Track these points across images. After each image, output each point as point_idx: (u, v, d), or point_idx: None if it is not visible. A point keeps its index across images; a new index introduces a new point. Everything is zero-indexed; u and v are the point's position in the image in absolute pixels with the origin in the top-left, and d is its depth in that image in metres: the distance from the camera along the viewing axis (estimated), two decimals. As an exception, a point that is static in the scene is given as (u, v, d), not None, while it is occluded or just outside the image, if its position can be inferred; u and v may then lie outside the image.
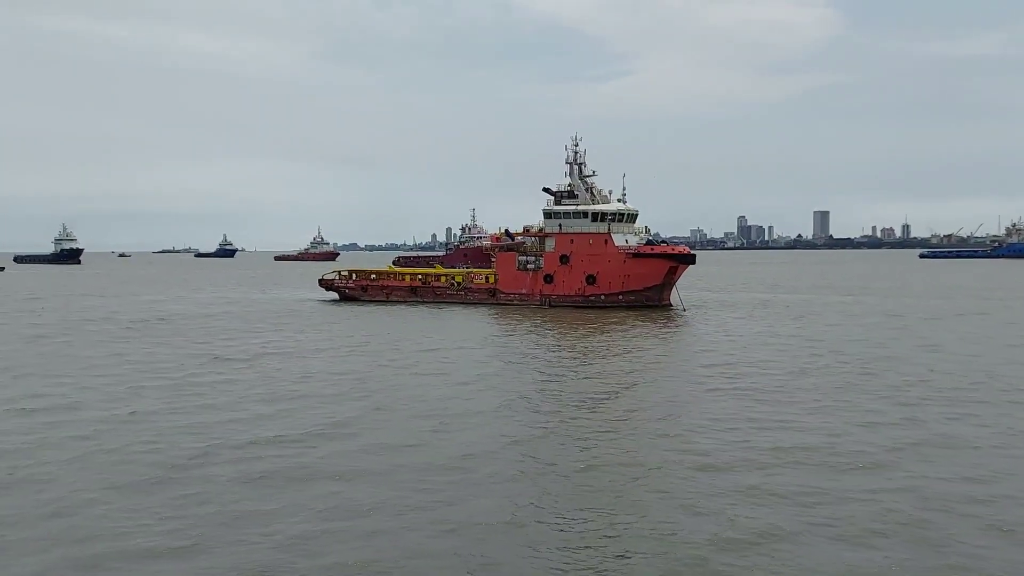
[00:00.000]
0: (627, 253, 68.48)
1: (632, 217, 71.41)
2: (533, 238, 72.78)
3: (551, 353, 40.88)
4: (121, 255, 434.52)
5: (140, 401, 27.54)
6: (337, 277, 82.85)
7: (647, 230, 73.31)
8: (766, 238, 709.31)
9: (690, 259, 69.96)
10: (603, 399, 28.42)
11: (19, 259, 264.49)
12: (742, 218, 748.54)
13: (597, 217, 69.21)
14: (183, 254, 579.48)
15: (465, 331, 51.61)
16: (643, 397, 28.81)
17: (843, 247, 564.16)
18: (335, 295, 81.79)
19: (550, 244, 70.97)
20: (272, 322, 57.32)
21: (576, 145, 71.89)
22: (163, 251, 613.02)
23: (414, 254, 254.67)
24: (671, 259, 69.29)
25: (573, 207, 70.28)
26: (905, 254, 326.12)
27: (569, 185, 71.69)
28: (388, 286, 78.57)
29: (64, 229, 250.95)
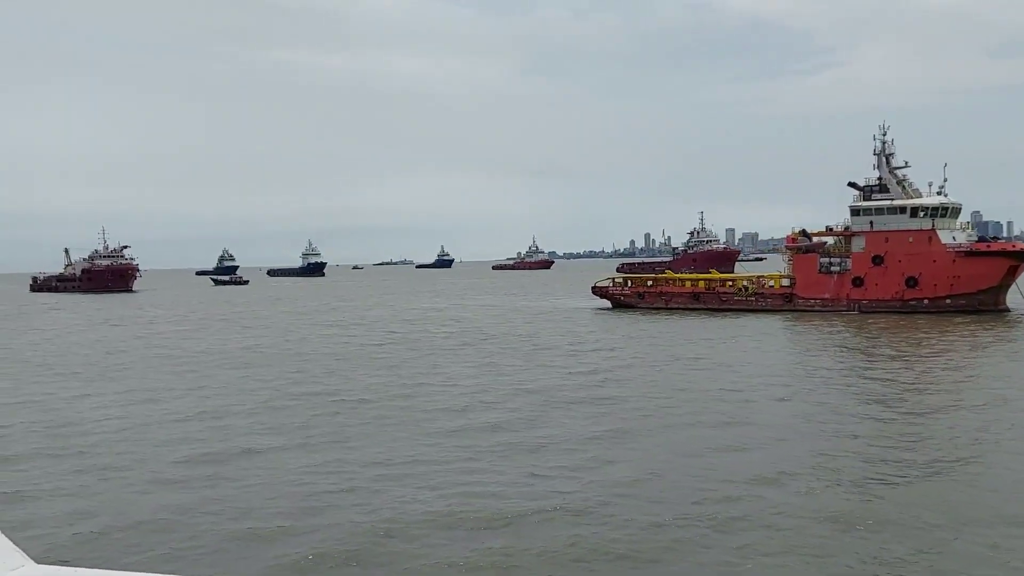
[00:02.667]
0: (956, 252, 61.00)
1: (956, 212, 63.73)
2: (836, 238, 67.07)
3: (874, 364, 36.07)
4: (355, 267, 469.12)
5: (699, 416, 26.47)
6: (611, 284, 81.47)
7: (971, 225, 65.19)
8: (1006, 234, 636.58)
9: (1034, 258, 61.21)
10: (944, 418, 23.85)
11: (271, 272, 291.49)
12: (976, 213, 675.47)
13: (917, 212, 62.30)
14: (399, 266, 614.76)
15: (768, 339, 47.62)
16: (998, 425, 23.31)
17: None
18: (607, 303, 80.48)
19: (859, 244, 64.89)
20: (579, 328, 56.38)
21: (884, 134, 65.43)
22: (381, 263, 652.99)
23: (638, 261, 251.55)
24: (1012, 257, 60.86)
25: (887, 202, 63.78)
26: None
27: (879, 179, 65.28)
28: (667, 293, 75.83)
29: (310, 244, 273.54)
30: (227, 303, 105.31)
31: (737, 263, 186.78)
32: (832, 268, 65.78)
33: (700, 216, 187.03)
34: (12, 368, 40.03)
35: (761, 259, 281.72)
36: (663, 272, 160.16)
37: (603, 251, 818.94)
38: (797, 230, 70.14)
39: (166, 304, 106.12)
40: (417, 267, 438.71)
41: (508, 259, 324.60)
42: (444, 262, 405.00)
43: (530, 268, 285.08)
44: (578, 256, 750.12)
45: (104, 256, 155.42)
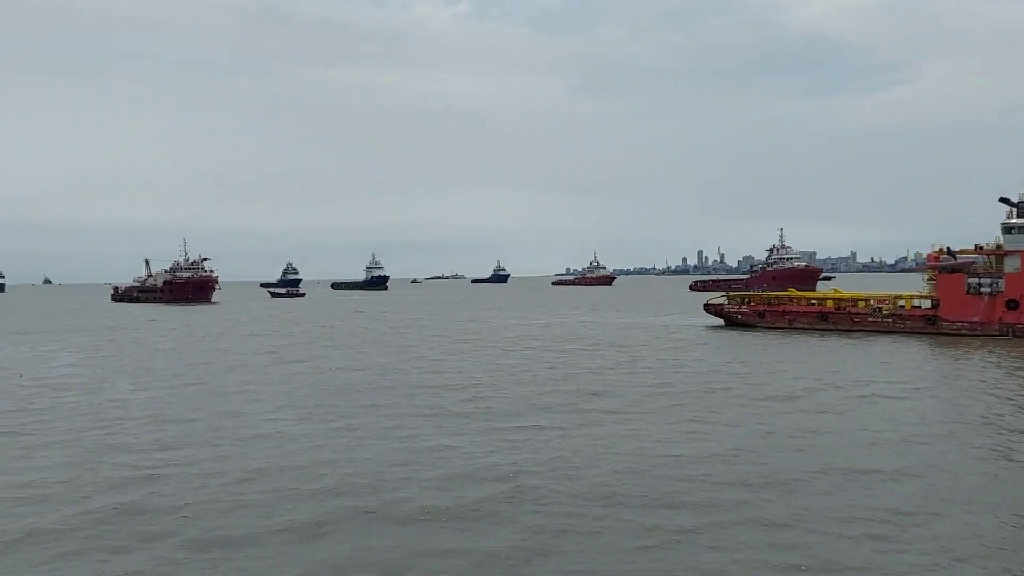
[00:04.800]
0: None
1: (1125, 229, 59.06)
2: (986, 257, 62.82)
3: None
4: (413, 281, 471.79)
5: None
6: (727, 302, 78.17)
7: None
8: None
9: None
10: None
11: (335, 285, 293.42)
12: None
13: (1084, 231, 57.90)
14: (451, 280, 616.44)
15: (912, 365, 43.87)
16: None
17: None
18: (720, 321, 77.22)
19: (1013, 264, 60.52)
20: (695, 349, 53.19)
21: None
22: (433, 277, 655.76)
23: (712, 278, 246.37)
24: None
25: (1050, 219, 59.44)
26: None
27: (1035, 193, 60.94)
28: (791, 312, 72.17)
29: (373, 258, 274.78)
30: (310, 315, 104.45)
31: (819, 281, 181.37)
32: (982, 289, 61.53)
33: (780, 233, 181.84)
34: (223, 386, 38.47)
35: (830, 277, 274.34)
36: (743, 289, 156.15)
37: (654, 268, 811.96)
38: (939, 248, 65.97)
39: (251, 315, 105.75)
40: (472, 282, 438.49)
41: (559, 274, 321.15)
42: (500, 277, 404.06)
43: (591, 284, 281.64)
44: (629, 272, 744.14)
45: (185, 268, 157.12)
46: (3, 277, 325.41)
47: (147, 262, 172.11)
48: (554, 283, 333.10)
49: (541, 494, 17.84)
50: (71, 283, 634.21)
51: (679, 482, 19.03)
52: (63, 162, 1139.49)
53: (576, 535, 15.50)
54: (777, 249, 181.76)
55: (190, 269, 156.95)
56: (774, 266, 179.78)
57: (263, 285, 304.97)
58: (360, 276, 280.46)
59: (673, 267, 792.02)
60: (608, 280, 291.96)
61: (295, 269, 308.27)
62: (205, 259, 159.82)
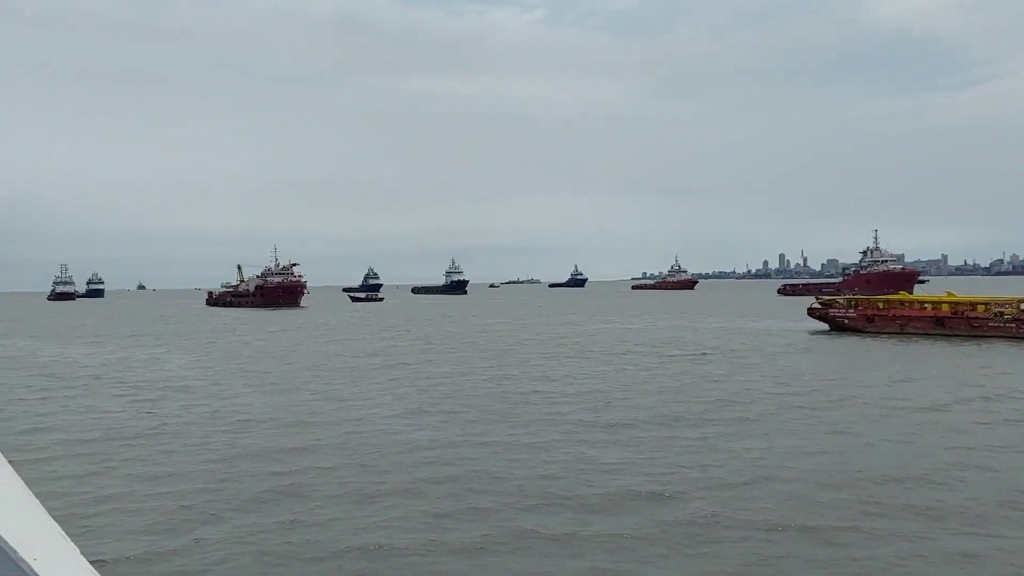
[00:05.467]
0: None
1: None
2: None
3: None
4: (491, 286, 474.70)
5: None
6: (832, 306, 74.96)
7: None
8: None
9: None
10: None
11: (415, 290, 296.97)
12: None
13: None
14: (527, 284, 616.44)
15: None
16: None
17: None
18: (823, 325, 74.11)
19: None
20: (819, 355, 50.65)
21: None
22: (509, 282, 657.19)
23: (802, 282, 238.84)
24: None
25: None
26: None
27: None
28: (903, 316, 68.54)
29: (453, 263, 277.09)
30: (398, 319, 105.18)
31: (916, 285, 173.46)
32: (1122, 291, 57.10)
33: (874, 235, 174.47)
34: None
35: (924, 281, 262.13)
36: (834, 293, 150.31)
37: (734, 272, 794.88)
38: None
39: (340, 319, 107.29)
40: (549, 286, 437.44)
41: (635, 278, 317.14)
42: (577, 281, 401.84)
43: (673, 288, 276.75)
44: (708, 276, 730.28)
45: (275, 273, 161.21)
46: (102, 283, 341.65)
47: (239, 268, 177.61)
48: (634, 287, 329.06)
49: (718, 520, 16.54)
50: (163, 288, 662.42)
51: (857, 508, 17.46)
52: (158, 171, 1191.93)
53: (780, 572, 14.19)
54: (871, 251, 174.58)
55: (280, 274, 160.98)
56: (868, 269, 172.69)
57: (345, 290, 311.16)
58: (439, 281, 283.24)
59: (753, 271, 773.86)
60: (690, 284, 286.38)
61: (376, 274, 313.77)
62: (294, 264, 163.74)
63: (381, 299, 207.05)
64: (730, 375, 41.08)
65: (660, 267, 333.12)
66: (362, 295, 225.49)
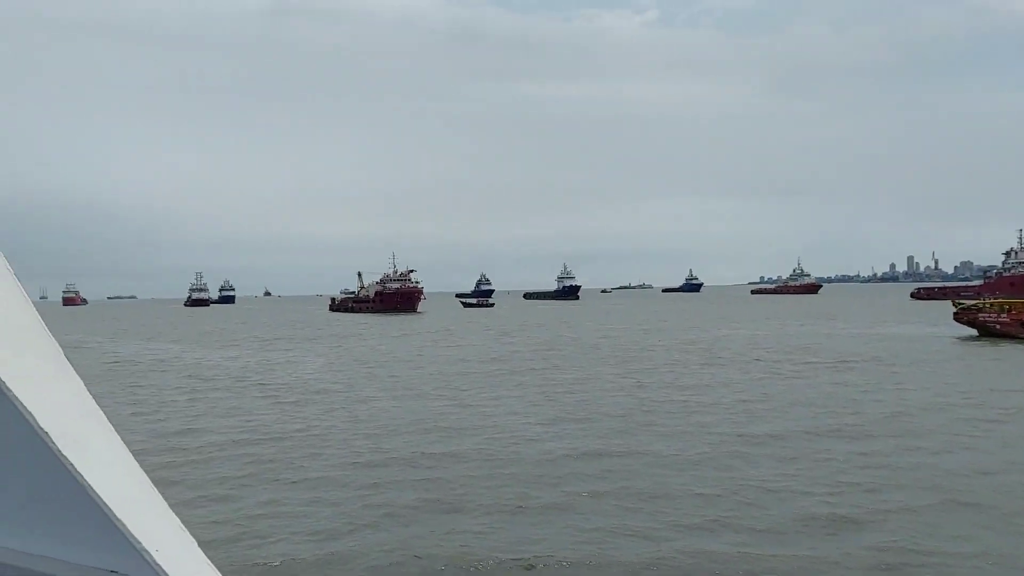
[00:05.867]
0: None
1: None
2: None
3: None
4: (603, 291, 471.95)
5: None
6: (982, 310, 69.67)
7: None
8: None
9: None
10: None
11: (528, 296, 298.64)
12: None
13: None
14: (639, 289, 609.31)
15: None
16: None
17: None
18: (971, 331, 68.90)
19: None
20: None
21: None
22: (621, 287, 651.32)
23: (938, 286, 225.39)
24: None
25: None
26: None
27: None
28: (1067, 323, 62.87)
29: (565, 268, 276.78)
30: (513, 324, 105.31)
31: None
32: None
33: (1019, 235, 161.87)
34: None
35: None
36: (973, 297, 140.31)
37: (858, 275, 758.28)
38: None
39: (457, 323, 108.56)
40: (663, 291, 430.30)
41: (753, 282, 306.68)
42: (692, 286, 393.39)
43: (795, 292, 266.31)
44: (831, 280, 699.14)
45: (394, 279, 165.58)
46: (233, 290, 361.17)
47: (359, 275, 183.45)
48: (754, 292, 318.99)
49: (912, 549, 15.08)
50: (288, 295, 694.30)
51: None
52: (284, 182, 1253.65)
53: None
54: (1016, 252, 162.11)
55: (398, 281, 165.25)
56: (1012, 271, 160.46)
57: (458, 295, 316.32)
58: (550, 286, 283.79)
59: (880, 274, 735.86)
60: (813, 288, 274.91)
61: (488, 280, 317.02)
62: (411, 271, 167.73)
63: (492, 304, 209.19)
64: (878, 384, 38.52)
65: (779, 271, 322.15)
66: (474, 300, 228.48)
